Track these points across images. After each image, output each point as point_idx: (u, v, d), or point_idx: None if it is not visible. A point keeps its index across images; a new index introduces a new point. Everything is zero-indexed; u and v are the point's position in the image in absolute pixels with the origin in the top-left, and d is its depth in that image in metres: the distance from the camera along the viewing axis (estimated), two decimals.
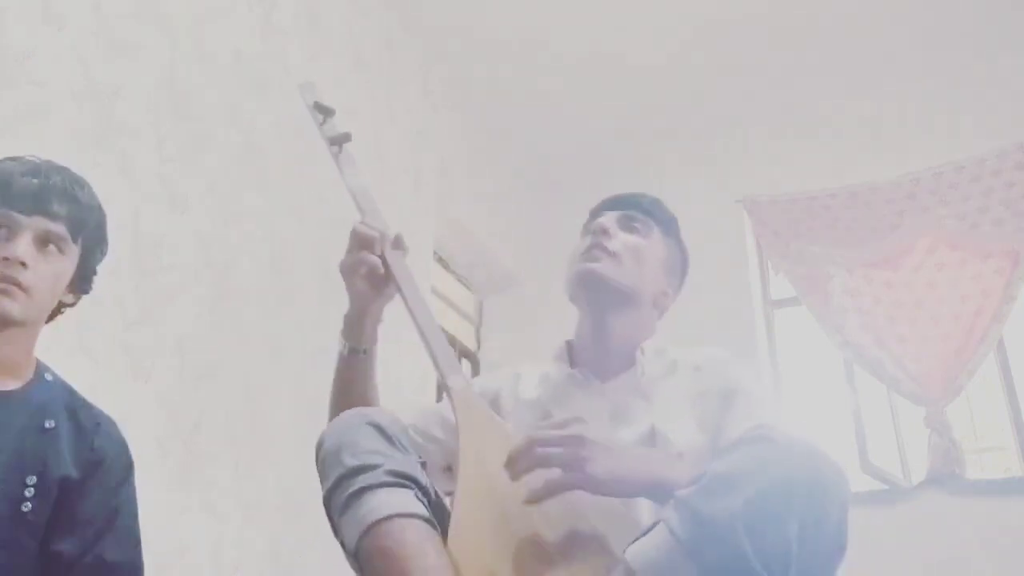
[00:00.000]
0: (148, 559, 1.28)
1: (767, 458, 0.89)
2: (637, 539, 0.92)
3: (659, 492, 1.01)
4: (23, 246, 1.17)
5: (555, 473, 1.00)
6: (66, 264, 1.23)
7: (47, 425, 1.20)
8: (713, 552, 0.85)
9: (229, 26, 2.52)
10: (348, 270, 1.28)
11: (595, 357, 1.35)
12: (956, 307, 3.28)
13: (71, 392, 1.27)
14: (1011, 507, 2.97)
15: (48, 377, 1.26)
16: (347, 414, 1.13)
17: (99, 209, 1.29)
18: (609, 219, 1.40)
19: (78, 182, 1.25)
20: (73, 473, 1.19)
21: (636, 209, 1.43)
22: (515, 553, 1.00)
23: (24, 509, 1.13)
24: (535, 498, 0.99)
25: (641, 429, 1.21)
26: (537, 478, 1.00)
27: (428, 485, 1.08)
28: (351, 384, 1.31)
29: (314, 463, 1.12)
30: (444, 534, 1.02)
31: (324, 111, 1.47)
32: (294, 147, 2.61)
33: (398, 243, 1.32)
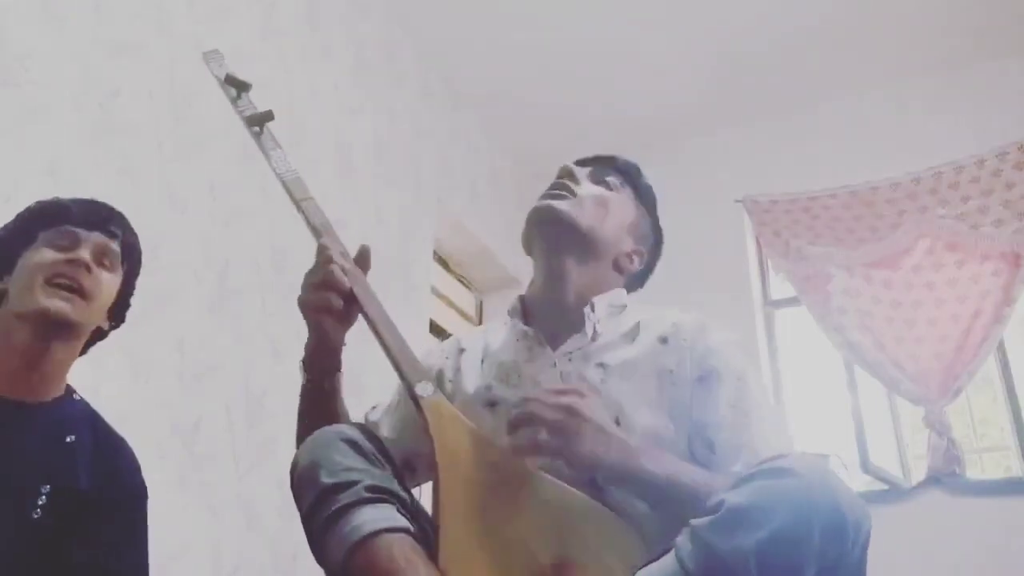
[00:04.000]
0: (149, 559, 1.29)
1: (787, 495, 0.83)
2: (647, 564, 0.89)
3: (634, 484, 1.03)
4: (87, 253, 1.26)
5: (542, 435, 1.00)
6: (116, 282, 1.31)
7: (68, 439, 1.23)
8: None
9: (229, 26, 2.52)
10: (313, 309, 1.16)
11: (547, 311, 1.27)
12: (955, 308, 3.27)
13: (95, 415, 1.31)
14: (1011, 507, 2.96)
15: (76, 397, 1.30)
16: (321, 432, 1.08)
17: (139, 243, 1.38)
18: (579, 168, 1.35)
19: (124, 216, 1.36)
20: (88, 488, 1.21)
21: (611, 167, 1.38)
22: (506, 566, 0.97)
23: (35, 515, 1.16)
24: (517, 454, 1.01)
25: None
26: (524, 434, 1.01)
27: (407, 498, 1.06)
28: (322, 412, 1.21)
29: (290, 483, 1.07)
30: (427, 544, 0.99)
31: (237, 85, 1.25)
32: (294, 147, 2.61)
33: (363, 259, 1.21)
